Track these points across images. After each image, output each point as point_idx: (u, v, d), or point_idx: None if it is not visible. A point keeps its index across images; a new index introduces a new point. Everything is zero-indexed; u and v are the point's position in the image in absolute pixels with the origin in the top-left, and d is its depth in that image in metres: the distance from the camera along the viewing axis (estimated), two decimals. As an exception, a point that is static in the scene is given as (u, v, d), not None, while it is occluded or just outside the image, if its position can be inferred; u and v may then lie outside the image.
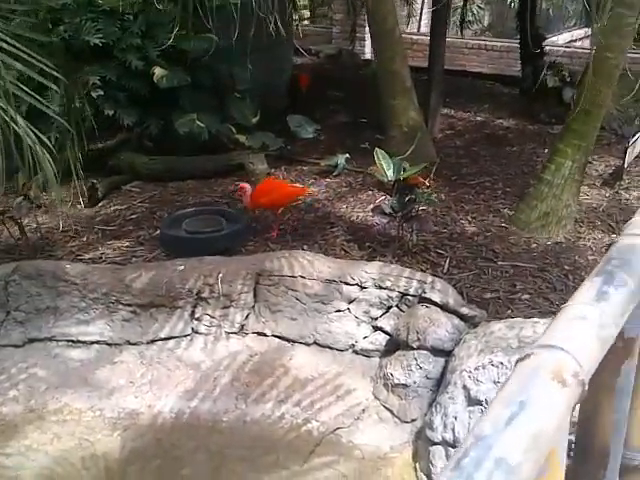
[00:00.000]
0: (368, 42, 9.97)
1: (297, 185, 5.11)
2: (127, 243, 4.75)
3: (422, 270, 4.26)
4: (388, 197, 4.50)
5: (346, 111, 7.25)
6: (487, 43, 11.53)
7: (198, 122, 5.82)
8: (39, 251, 4.66)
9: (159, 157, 5.86)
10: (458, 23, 12.49)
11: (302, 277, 4.14)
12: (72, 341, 4.20)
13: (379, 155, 4.39)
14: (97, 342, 4.19)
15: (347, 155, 5.64)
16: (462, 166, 6.01)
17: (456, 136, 6.85)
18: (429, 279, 3.96)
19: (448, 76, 7.17)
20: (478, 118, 7.50)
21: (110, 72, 5.62)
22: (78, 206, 5.49)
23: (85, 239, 4.87)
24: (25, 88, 4.25)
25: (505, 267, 4.35)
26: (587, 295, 0.95)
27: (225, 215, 4.77)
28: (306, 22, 13.19)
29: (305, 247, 4.56)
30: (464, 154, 6.32)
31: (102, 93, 5.55)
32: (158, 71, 5.74)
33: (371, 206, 4.95)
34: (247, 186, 4.66)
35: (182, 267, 4.31)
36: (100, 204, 5.47)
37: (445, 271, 4.27)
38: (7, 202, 5.60)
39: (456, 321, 3.69)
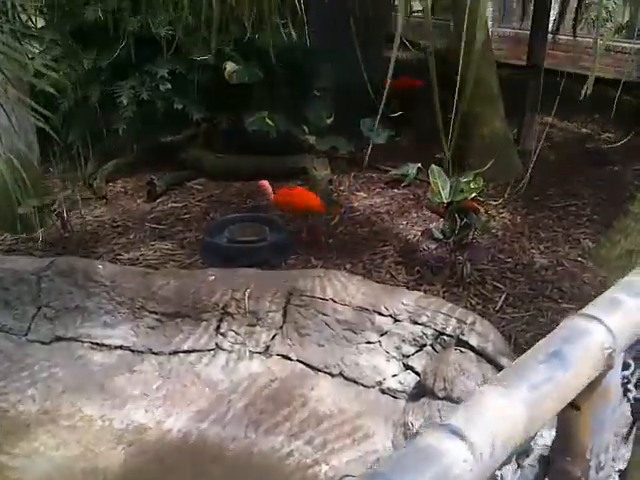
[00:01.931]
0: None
1: (317, 199, 4.66)
2: (170, 245, 4.58)
3: (472, 305, 3.82)
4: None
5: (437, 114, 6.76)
6: (617, 44, 10.58)
7: (268, 120, 5.57)
8: (82, 246, 4.56)
9: (224, 155, 5.66)
10: (590, 21, 11.52)
11: (333, 301, 3.82)
12: (96, 344, 4.07)
13: (435, 172, 3.97)
14: (120, 347, 4.05)
15: (419, 165, 5.22)
16: (549, 185, 5.43)
17: (551, 150, 6.23)
18: (470, 319, 3.52)
19: (560, 80, 6.51)
20: (583, 130, 6.81)
21: (180, 65, 5.47)
22: (138, 200, 5.39)
23: (132, 236, 4.74)
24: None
25: (569, 310, 3.82)
26: None
27: (270, 223, 4.50)
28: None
29: (348, 266, 4.22)
30: (555, 171, 5.72)
31: (170, 87, 5.40)
32: (229, 66, 5.54)
33: (433, 224, 4.52)
34: (266, 183, 4.48)
35: (212, 278, 4.08)
36: (159, 199, 5.33)
37: (497, 309, 3.80)
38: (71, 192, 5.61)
39: (490, 373, 3.24)
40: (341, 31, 6.28)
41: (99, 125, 5.65)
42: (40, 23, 5.93)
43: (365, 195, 5.21)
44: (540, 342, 0.90)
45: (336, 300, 3.81)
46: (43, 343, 4.12)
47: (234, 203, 5.18)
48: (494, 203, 4.83)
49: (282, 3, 6.01)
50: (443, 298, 3.88)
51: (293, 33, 5.58)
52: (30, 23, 5.74)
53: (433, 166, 4.01)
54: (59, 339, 4.11)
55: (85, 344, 4.08)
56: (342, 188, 5.36)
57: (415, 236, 4.51)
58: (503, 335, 3.54)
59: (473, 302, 3.83)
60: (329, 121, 5.75)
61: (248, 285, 3.98)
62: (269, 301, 3.93)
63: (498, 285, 3.99)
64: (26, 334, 4.16)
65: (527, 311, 3.80)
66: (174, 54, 5.52)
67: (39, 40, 5.81)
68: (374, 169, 5.59)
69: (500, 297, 3.89)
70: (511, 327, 3.65)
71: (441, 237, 3.88)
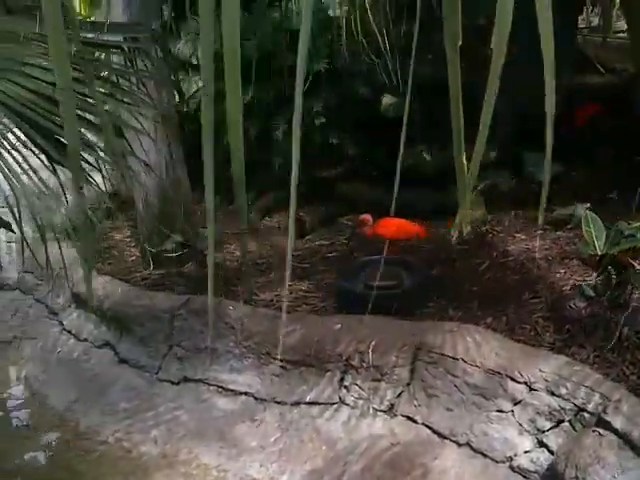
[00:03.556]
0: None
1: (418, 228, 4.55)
2: (306, 286, 4.42)
3: (625, 375, 3.26)
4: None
5: (622, 147, 6.01)
6: None
7: (425, 154, 5.27)
8: (225, 284, 4.52)
9: (380, 190, 5.42)
10: None
11: (463, 361, 3.43)
12: (222, 388, 4.00)
13: (589, 219, 3.46)
14: (245, 393, 3.94)
15: (587, 205, 4.62)
16: None
17: None
18: (616, 395, 2.98)
19: None
20: None
21: (336, 99, 5.33)
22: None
23: (272, 275, 4.64)
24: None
25: None
26: None
27: (407, 266, 4.20)
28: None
29: (489, 319, 3.79)
30: None
31: (324, 120, 5.28)
32: (386, 99, 5.32)
33: (594, 276, 3.96)
34: (367, 217, 4.48)
35: (338, 326, 3.86)
36: (308, 236, 5.21)
37: (657, 382, 3.21)
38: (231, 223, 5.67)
39: (631, 464, 2.70)
40: (517, 55, 5.87)
41: (257, 159, 5.67)
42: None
43: (524, 237, 4.72)
44: None
45: (466, 360, 3.43)
46: (172, 383, 4.13)
47: (382, 242, 4.92)
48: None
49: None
50: (593, 364, 3.35)
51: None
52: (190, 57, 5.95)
53: (587, 212, 3.51)
54: (187, 380, 4.09)
55: (211, 387, 4.03)
56: (499, 228, 4.91)
57: (572, 288, 3.98)
58: (660, 416, 2.96)
59: (627, 371, 3.26)
60: (492, 155, 5.31)
61: (374, 336, 3.70)
62: (396, 355, 3.63)
63: (663, 352, 3.38)
64: (157, 372, 4.20)
65: (695, 387, 3.17)
66: (330, 88, 5.42)
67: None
68: (536, 209, 5.07)
69: (663, 367, 3.28)
70: (672, 407, 3.05)
71: (592, 295, 3.36)
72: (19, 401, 4.51)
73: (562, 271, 4.22)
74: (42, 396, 4.44)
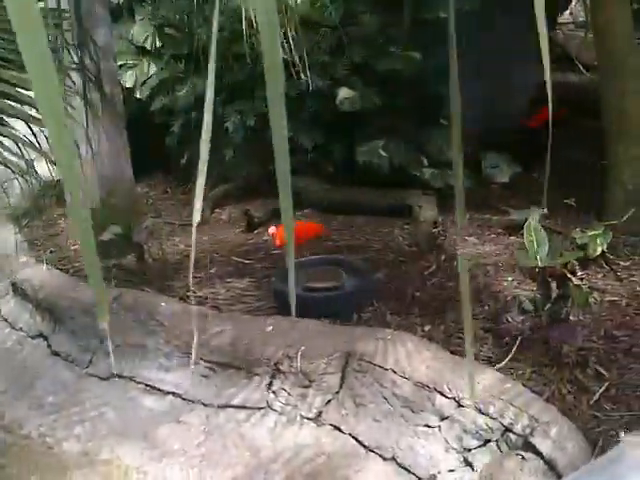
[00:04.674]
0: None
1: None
2: (245, 284, 4.26)
3: (561, 394, 3.14)
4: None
5: (589, 148, 5.88)
6: None
7: (381, 151, 5.10)
8: (160, 278, 4.36)
9: (330, 186, 5.27)
10: None
11: (393, 371, 3.30)
12: (150, 386, 3.84)
13: (531, 228, 3.31)
14: (172, 394, 3.79)
15: (543, 210, 4.47)
16: None
17: None
18: (545, 417, 2.86)
19: None
20: None
21: (290, 91, 5.13)
22: (236, 230, 5.14)
23: (213, 271, 4.48)
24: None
25: (691, 413, 3.03)
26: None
27: (349, 268, 4.04)
28: None
29: (427, 327, 3.67)
30: None
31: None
32: (343, 92, 5.14)
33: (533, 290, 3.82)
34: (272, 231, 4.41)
35: (270, 328, 3.71)
36: (257, 231, 5.05)
37: (592, 402, 3.08)
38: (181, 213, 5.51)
39: (552, 494, 2.58)
40: (485, 53, 5.68)
41: (210, 149, 5.48)
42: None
43: (476, 241, 4.58)
44: None
45: (396, 371, 3.29)
46: (100, 379, 3.96)
47: (331, 240, 4.76)
48: (623, 263, 4.04)
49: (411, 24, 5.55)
50: (529, 380, 3.23)
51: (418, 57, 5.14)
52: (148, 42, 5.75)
53: (530, 221, 3.36)
54: (116, 376, 3.93)
55: (139, 385, 3.87)
56: (451, 231, 4.76)
57: (519, 297, 3.84)
58: (590, 438, 2.84)
59: (564, 390, 3.13)
60: (450, 153, 5.15)
61: (305, 340, 3.56)
62: (325, 362, 3.49)
63: (602, 371, 3.25)
64: (87, 367, 4.04)
65: (630, 410, 3.04)
66: (285, 79, 5.23)
67: (158, 58, 5.78)
68: (494, 211, 4.93)
69: (600, 388, 3.15)
70: (603, 429, 2.92)
71: (531, 308, 3.22)
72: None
73: (510, 278, 4.09)
74: (-31, 386, 4.27)
